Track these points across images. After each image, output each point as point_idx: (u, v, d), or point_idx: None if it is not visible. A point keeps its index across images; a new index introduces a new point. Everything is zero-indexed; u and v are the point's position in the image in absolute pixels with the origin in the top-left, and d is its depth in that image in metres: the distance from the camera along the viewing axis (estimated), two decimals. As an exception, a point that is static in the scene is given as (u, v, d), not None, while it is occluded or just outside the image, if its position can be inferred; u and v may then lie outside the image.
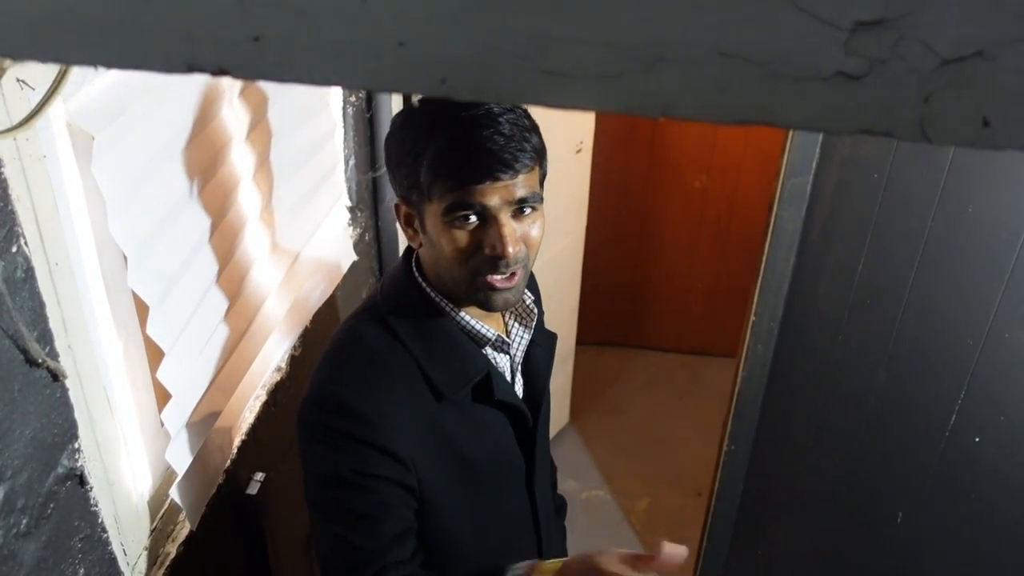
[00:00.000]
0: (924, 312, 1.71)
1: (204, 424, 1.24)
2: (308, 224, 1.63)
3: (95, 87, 0.95)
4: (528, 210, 1.04)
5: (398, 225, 1.15)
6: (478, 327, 1.12)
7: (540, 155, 1.05)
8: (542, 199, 1.06)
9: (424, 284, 1.11)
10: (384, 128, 1.88)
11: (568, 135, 2.61)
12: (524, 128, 1.01)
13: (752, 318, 1.93)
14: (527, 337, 1.20)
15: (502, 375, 1.16)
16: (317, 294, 1.68)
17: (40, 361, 0.89)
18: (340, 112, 1.78)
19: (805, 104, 0.39)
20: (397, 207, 1.12)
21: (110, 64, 0.45)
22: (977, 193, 1.56)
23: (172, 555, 1.21)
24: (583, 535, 2.81)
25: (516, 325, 1.20)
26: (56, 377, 0.92)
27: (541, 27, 0.39)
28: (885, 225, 1.70)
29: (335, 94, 1.75)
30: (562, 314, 2.95)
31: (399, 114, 1.07)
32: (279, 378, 1.56)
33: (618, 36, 0.39)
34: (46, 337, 0.91)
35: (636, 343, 3.78)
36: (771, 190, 1.81)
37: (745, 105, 0.40)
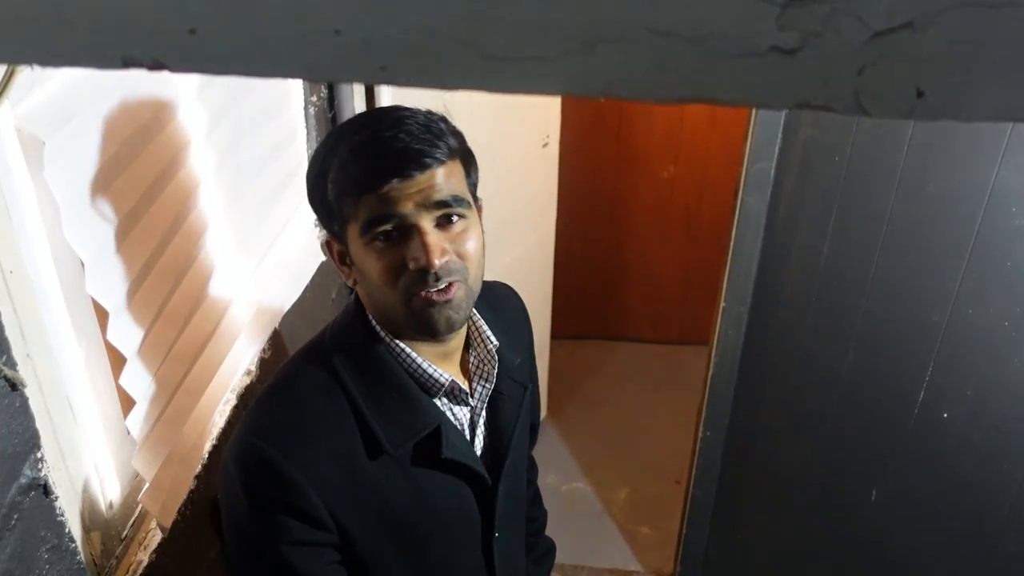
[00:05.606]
0: (889, 291, 1.74)
1: (171, 430, 1.22)
2: (273, 225, 1.62)
3: (44, 91, 0.94)
4: (456, 218, 0.93)
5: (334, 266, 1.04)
6: (430, 371, 1.00)
7: (462, 157, 0.94)
8: (472, 205, 0.95)
9: (374, 322, 1.01)
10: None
11: (534, 130, 2.61)
12: (438, 130, 0.92)
13: (722, 304, 1.95)
14: (489, 386, 1.08)
15: (457, 430, 1.05)
16: (285, 295, 1.67)
17: (-3, 371, 0.87)
18: (302, 112, 1.77)
19: (742, 80, 0.39)
20: (329, 245, 1.01)
21: (44, 62, 0.44)
22: (936, 171, 1.59)
23: (144, 563, 1.19)
24: (565, 529, 2.82)
25: (477, 374, 1.09)
26: (15, 386, 0.91)
27: (477, 10, 0.39)
28: (848, 206, 1.72)
29: (296, 94, 1.74)
30: (534, 309, 2.95)
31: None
32: (249, 381, 1.54)
33: (554, 18, 0.39)
34: (3, 346, 0.89)
35: (611, 335, 3.79)
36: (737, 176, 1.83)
37: (683, 83, 0.40)
